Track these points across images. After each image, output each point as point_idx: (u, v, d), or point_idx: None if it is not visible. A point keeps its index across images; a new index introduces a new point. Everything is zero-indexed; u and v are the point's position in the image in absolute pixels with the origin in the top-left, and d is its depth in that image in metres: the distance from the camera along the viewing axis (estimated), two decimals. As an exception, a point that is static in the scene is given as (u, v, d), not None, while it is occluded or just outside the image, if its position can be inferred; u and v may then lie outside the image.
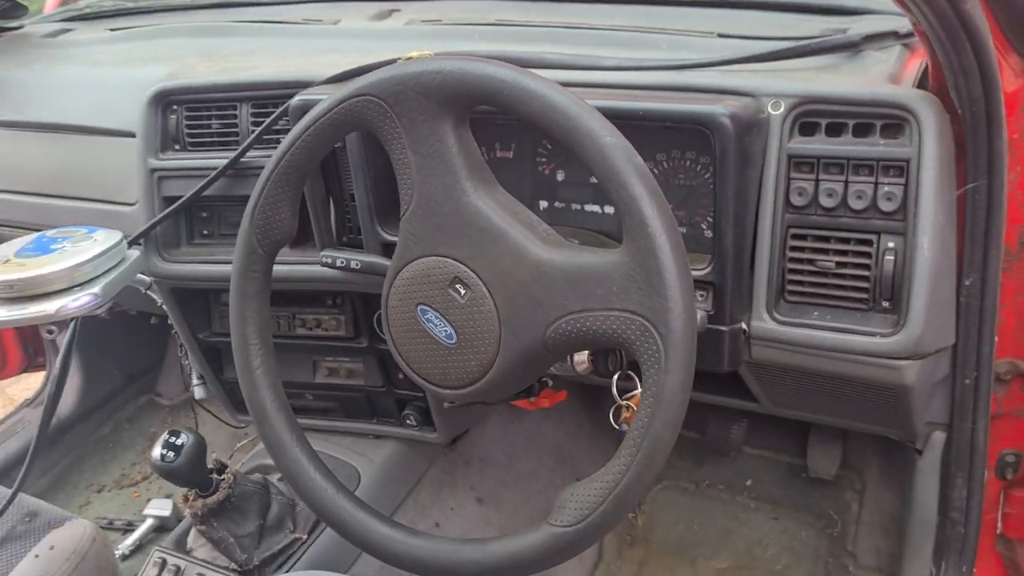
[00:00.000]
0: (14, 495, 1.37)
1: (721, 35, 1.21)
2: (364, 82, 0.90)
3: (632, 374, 1.04)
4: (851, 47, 1.07)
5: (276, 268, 1.27)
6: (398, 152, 0.90)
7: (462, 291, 0.89)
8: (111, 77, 1.53)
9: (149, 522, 1.89)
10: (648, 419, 0.80)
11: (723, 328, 1.04)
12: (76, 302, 1.15)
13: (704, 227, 1.10)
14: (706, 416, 1.79)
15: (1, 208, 1.63)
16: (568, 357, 1.02)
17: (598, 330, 0.82)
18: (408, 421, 1.50)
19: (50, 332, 1.24)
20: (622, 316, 0.80)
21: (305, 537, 1.37)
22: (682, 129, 1.02)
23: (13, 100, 1.63)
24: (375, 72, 0.90)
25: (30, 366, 2.23)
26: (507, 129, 1.20)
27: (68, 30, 1.83)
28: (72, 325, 1.38)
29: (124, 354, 2.24)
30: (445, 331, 0.91)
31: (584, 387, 1.90)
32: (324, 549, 1.37)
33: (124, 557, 1.82)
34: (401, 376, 1.45)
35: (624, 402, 1.01)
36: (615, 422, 1.03)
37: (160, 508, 1.90)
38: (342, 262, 1.09)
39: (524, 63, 1.15)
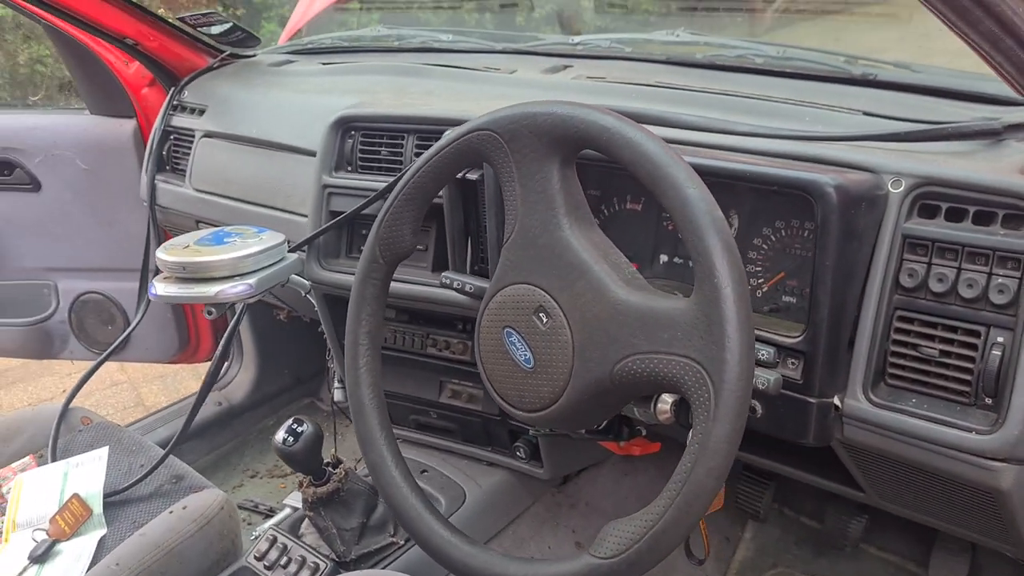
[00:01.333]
0: (164, 457, 1.55)
1: (867, 113, 1.20)
2: (487, 118, 0.99)
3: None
4: (991, 134, 1.04)
5: (413, 288, 1.38)
6: (508, 184, 0.98)
7: (544, 319, 0.94)
8: (312, 104, 1.72)
9: (286, 511, 2.03)
10: (692, 464, 0.81)
11: (811, 400, 1.03)
12: (233, 289, 1.31)
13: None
14: (826, 506, 1.71)
15: (207, 207, 1.86)
16: (652, 405, 1.04)
17: (660, 372, 0.85)
18: (518, 453, 1.56)
19: (209, 314, 1.41)
20: (683, 362, 0.83)
21: (402, 543, 1.45)
22: (799, 199, 1.02)
23: (235, 116, 1.87)
24: (498, 110, 0.98)
25: (218, 355, 2.48)
26: (639, 183, 1.25)
27: (291, 61, 2.06)
28: (239, 312, 1.55)
29: (295, 358, 2.45)
30: (525, 355, 0.96)
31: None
32: (417, 559, 1.44)
33: (257, 538, 1.97)
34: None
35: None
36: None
37: (297, 500, 2.04)
38: (458, 284, 1.17)
39: (663, 121, 1.21)
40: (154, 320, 2.34)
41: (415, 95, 1.61)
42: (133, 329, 2.02)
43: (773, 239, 1.12)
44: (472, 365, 1.51)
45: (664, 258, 1.24)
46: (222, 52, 2.07)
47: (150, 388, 3.20)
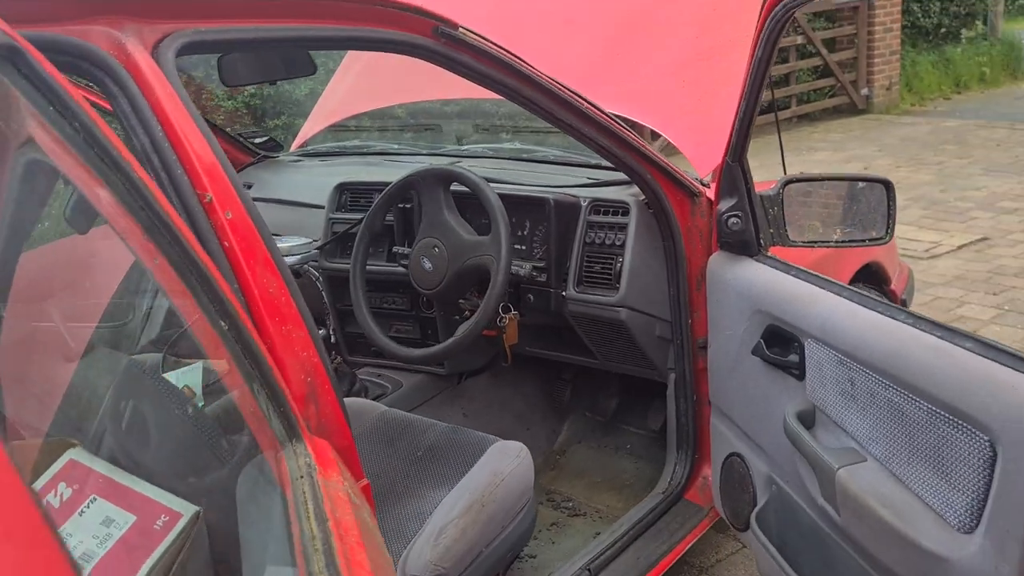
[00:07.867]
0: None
1: (589, 178, 2.63)
2: (412, 173, 2.37)
3: (509, 305, 2.41)
4: (626, 182, 2.46)
5: (384, 267, 2.74)
6: (423, 201, 2.36)
7: (436, 249, 2.31)
8: (319, 180, 3.09)
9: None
10: (487, 299, 2.17)
11: (552, 290, 2.41)
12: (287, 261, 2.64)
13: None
14: (596, 396, 3.07)
15: (253, 241, 3.20)
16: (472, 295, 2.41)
17: (480, 263, 2.22)
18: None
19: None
20: (486, 257, 2.20)
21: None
22: (541, 206, 2.42)
23: (272, 188, 3.23)
24: (417, 170, 2.37)
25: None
26: (477, 200, 2.65)
27: (301, 160, 3.46)
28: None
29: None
30: (428, 265, 2.32)
31: (545, 379, 3.21)
32: (377, 409, 2.73)
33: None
34: (429, 331, 2.85)
35: (502, 314, 2.38)
36: (497, 322, 2.39)
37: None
38: (397, 250, 2.55)
39: (493, 180, 2.63)
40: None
41: (378, 174, 3.01)
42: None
43: (544, 232, 2.52)
44: (406, 310, 2.85)
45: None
46: (259, 154, 3.45)
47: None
